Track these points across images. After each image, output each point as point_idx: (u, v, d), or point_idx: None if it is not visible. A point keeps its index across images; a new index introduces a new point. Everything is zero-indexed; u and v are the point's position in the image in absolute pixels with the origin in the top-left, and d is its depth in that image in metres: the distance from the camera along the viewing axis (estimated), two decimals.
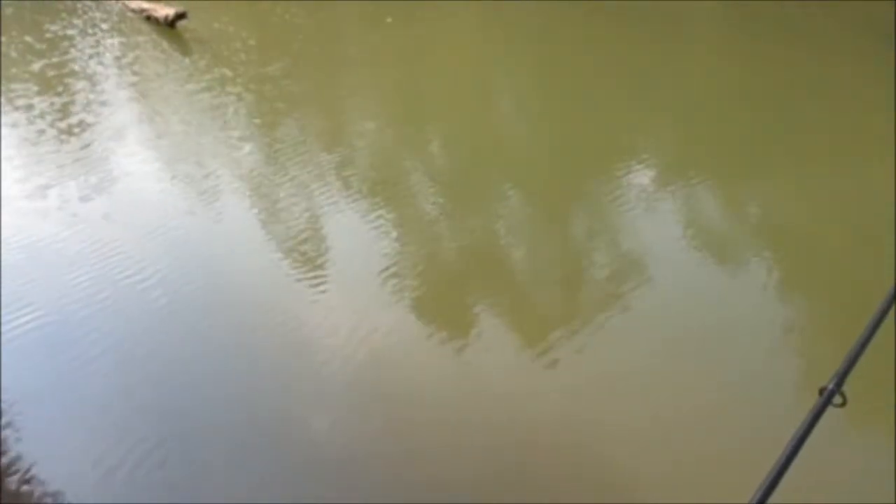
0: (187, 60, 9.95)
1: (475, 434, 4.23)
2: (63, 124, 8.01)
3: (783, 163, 7.60)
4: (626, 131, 8.46)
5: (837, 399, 1.46)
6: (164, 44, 10.42)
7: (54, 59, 9.75)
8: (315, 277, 5.63)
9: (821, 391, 1.47)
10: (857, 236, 6.28)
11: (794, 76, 9.74)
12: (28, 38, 10.36)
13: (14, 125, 7.99)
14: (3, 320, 4.98)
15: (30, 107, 8.40)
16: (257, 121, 8.41)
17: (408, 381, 4.67)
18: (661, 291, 5.52)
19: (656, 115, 8.88)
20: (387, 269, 5.69)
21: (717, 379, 4.65)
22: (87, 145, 7.61)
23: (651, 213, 6.66)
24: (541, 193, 7.19)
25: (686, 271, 5.96)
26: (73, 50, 10.16)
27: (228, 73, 9.46)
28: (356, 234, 6.30)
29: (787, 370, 4.81)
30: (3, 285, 5.33)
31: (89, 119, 8.25)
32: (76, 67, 9.61)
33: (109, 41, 10.53)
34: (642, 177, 7.27)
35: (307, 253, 5.94)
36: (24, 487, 3.83)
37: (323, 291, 5.48)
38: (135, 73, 9.61)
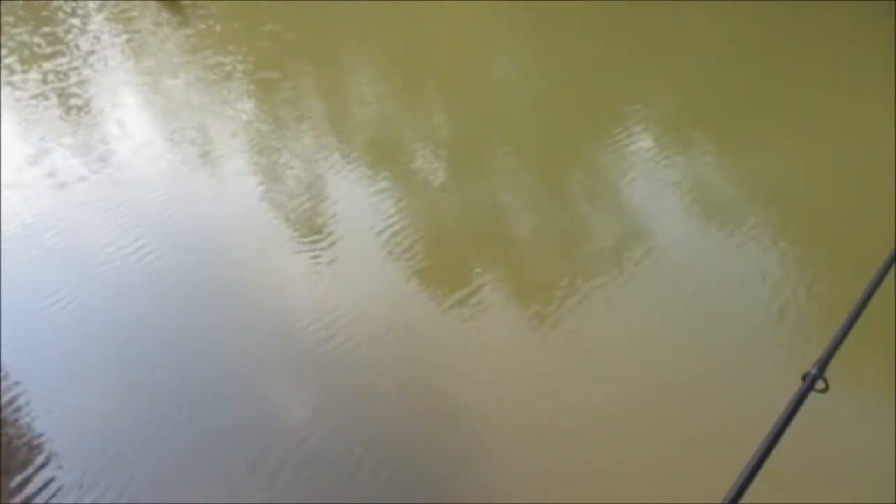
0: (189, 31, 9.91)
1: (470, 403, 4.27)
2: (61, 86, 8.06)
3: (784, 124, 7.49)
4: (625, 93, 8.36)
5: (820, 384, 1.45)
6: (165, 14, 10.35)
7: (57, 31, 9.70)
8: (311, 242, 5.65)
9: (803, 377, 1.45)
10: (861, 199, 6.18)
11: (794, 35, 9.61)
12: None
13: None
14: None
15: (26, 75, 8.45)
16: (255, 86, 8.37)
17: (409, 347, 4.68)
18: (660, 257, 5.50)
19: (656, 77, 8.77)
20: (386, 233, 5.70)
21: (711, 352, 4.62)
22: (84, 108, 7.70)
23: (649, 176, 6.60)
24: (539, 156, 7.15)
25: (684, 236, 5.92)
26: (75, 23, 10.11)
27: (229, 44, 9.41)
28: (355, 197, 6.30)
29: (782, 343, 4.79)
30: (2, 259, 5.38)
31: (88, 86, 8.27)
32: (76, 39, 9.58)
33: (109, 14, 10.46)
34: (640, 139, 7.21)
35: (305, 218, 5.95)
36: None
37: (319, 256, 5.51)
38: (133, 43, 9.56)
